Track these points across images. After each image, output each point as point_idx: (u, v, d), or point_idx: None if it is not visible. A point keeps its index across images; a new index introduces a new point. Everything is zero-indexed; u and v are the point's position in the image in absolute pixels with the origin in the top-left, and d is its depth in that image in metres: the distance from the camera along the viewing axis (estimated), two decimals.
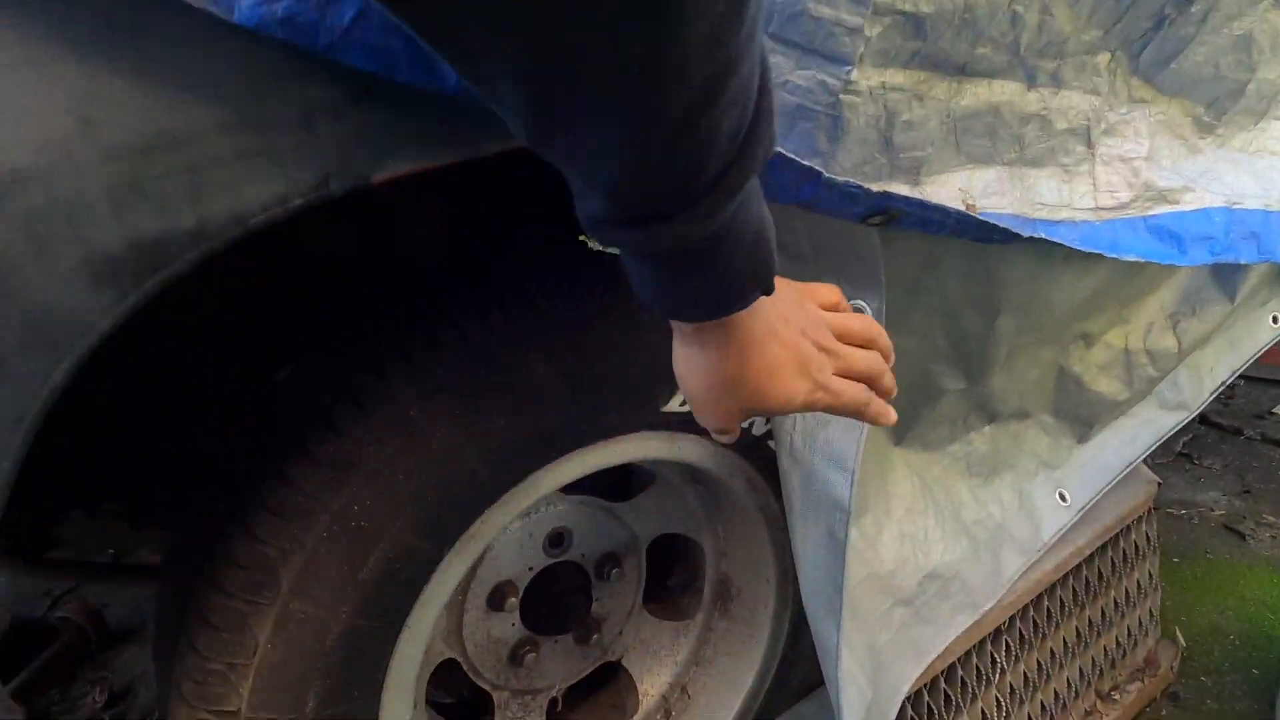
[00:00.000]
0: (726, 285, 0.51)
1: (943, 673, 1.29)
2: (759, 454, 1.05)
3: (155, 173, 0.51)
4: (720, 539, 1.21)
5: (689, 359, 0.60)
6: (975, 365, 1.12)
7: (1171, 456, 2.42)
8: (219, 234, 0.54)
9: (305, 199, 0.56)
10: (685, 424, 0.97)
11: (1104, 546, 1.54)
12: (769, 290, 0.55)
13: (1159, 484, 1.62)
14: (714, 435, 0.67)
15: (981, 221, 0.78)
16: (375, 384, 0.79)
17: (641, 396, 0.91)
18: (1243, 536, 2.05)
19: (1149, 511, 1.64)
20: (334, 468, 0.76)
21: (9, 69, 0.46)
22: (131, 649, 2.13)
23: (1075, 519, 1.41)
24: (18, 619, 2.07)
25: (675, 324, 0.59)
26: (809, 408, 0.63)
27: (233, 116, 0.52)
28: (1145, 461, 2.20)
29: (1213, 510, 2.16)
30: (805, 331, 0.62)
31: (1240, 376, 2.77)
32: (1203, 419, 2.58)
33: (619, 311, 0.88)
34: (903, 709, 1.25)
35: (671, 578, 1.27)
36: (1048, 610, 1.47)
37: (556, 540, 1.11)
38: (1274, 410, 2.59)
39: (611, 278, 0.89)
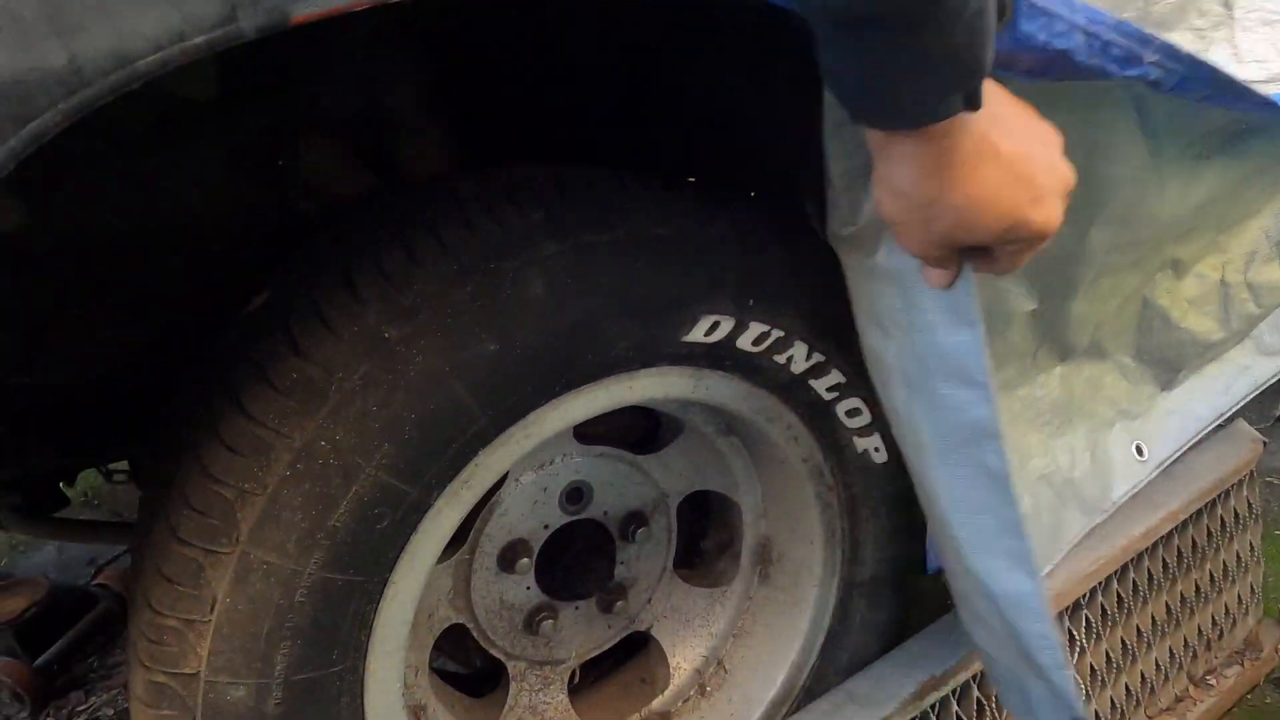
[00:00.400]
0: (933, 71, 0.47)
1: None
2: (799, 396, 0.92)
3: None
4: (759, 497, 1.08)
5: (885, 179, 0.56)
6: (1055, 285, 0.96)
7: (1270, 421, 2.20)
8: (98, 77, 0.43)
9: (208, 37, 0.45)
10: (711, 358, 0.85)
11: (1199, 512, 1.37)
12: (975, 101, 0.49)
13: (1264, 443, 1.43)
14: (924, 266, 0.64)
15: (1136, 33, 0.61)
16: (345, 301, 0.68)
17: (659, 323, 0.79)
18: None
19: (1251, 475, 1.45)
20: (297, 397, 0.66)
21: None
22: None
23: (1151, 477, 1.24)
24: (56, 586, 2.06)
25: (872, 137, 0.54)
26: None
27: None
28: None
29: None
30: (1053, 167, 0.57)
31: None
32: None
33: (630, 220, 0.75)
34: (967, 688, 1.12)
35: (706, 540, 1.15)
36: (1134, 583, 1.31)
37: (574, 496, 1.00)
38: None
39: (620, 178, 0.77)
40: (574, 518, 1.00)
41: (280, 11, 0.46)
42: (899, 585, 1.09)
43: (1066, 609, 1.21)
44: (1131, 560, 1.28)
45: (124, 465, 1.54)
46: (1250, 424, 2.22)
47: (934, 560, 1.71)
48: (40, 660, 1.92)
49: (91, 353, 0.92)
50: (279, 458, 0.66)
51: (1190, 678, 1.45)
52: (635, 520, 1.04)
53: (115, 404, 1.06)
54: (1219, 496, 1.40)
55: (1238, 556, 1.47)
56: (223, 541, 0.66)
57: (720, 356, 0.85)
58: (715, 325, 0.82)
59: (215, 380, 0.72)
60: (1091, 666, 1.28)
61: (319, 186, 0.94)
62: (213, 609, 0.67)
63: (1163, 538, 1.31)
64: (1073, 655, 1.25)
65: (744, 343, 0.85)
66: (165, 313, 0.92)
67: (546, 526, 0.98)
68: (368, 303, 0.68)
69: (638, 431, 1.06)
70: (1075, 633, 1.24)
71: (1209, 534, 1.41)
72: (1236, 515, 1.45)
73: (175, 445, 0.73)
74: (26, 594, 1.98)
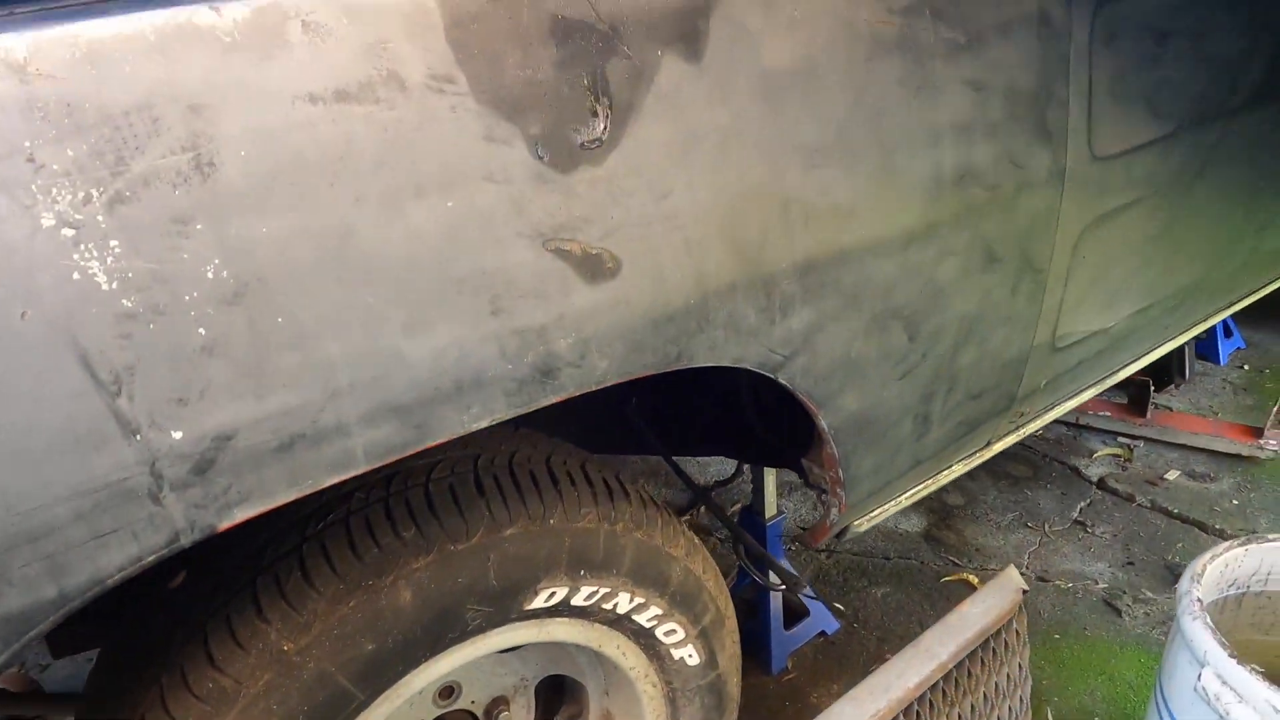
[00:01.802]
0: None
1: None
2: (626, 626, 1.15)
3: (19, 563, 0.60)
4: (602, 680, 1.32)
5: None
6: None
7: (1068, 524, 2.58)
8: (80, 595, 0.63)
9: (158, 555, 0.65)
10: (551, 613, 1.07)
11: (972, 653, 1.68)
12: None
13: (1024, 591, 1.76)
14: None
15: None
16: (252, 619, 0.88)
17: (507, 600, 1.01)
18: (1119, 613, 2.21)
19: (1019, 611, 1.78)
20: (213, 702, 0.86)
21: None
22: None
23: None
24: None
25: None
26: None
27: (88, 506, 0.61)
28: (1044, 528, 2.34)
29: (1097, 584, 2.32)
30: None
31: (1136, 438, 2.93)
32: (1100, 483, 2.74)
33: (477, 532, 0.97)
34: None
35: (559, 713, 1.38)
36: (917, 713, 1.60)
37: (447, 692, 1.21)
38: (1166, 476, 2.76)
39: (469, 507, 0.98)
40: (446, 710, 1.21)
41: (212, 528, 0.66)
42: None
43: None
44: (915, 700, 1.58)
45: None
46: (1052, 525, 2.60)
47: (779, 662, 1.99)
48: None
49: None
50: None
51: None
52: (500, 704, 1.26)
53: None
54: (991, 637, 1.72)
55: (1008, 677, 1.80)
56: None
57: (559, 611, 1.08)
58: (553, 594, 1.05)
59: (146, 665, 0.91)
60: None
61: None
62: None
63: (941, 678, 1.61)
64: None
65: (577, 600, 1.08)
66: None
67: None
68: (271, 621, 0.88)
69: None
70: None
71: (982, 664, 1.73)
72: (1007, 645, 1.78)
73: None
74: None
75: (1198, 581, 1.44)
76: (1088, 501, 2.67)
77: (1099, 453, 2.92)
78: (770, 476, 2.02)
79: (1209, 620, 1.36)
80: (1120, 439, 2.98)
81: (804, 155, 0.93)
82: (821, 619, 2.27)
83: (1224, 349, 3.45)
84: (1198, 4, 1.39)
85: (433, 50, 0.69)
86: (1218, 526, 2.51)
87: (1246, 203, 1.73)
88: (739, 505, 2.12)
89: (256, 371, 0.65)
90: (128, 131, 0.58)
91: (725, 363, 0.94)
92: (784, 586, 2.10)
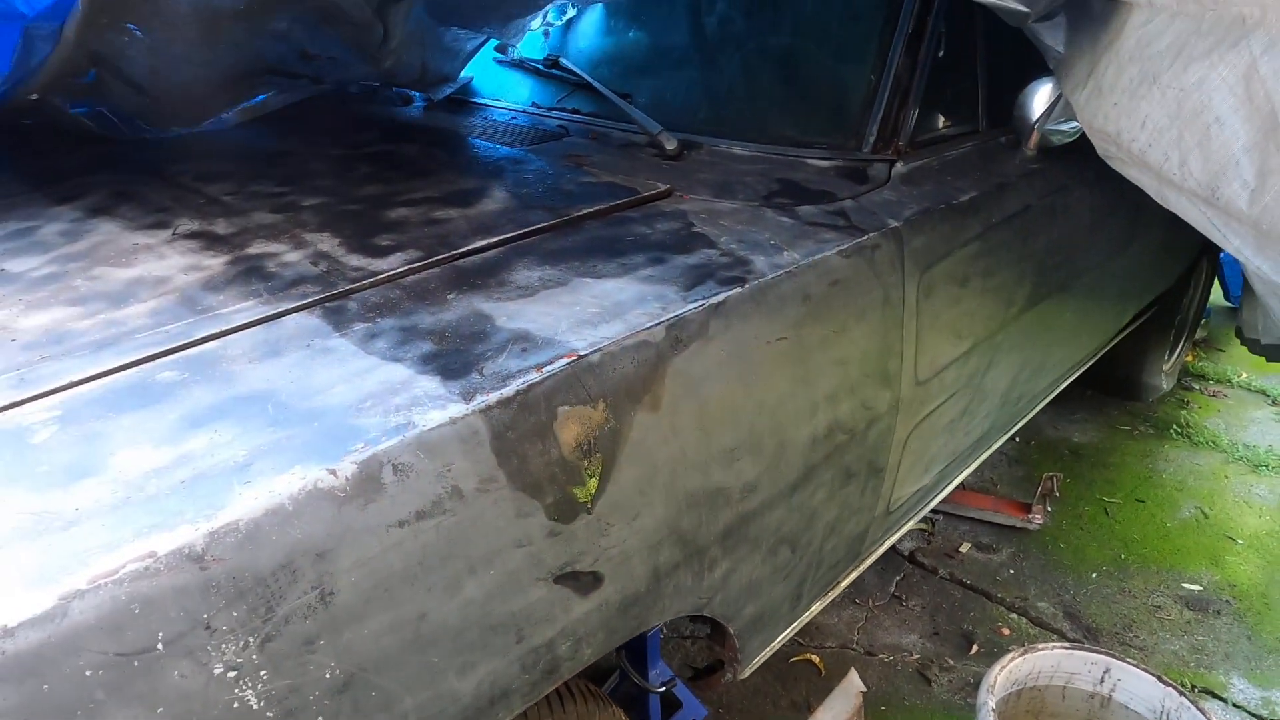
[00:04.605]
0: None
1: None
2: None
3: None
4: None
5: None
6: None
7: (886, 599, 3.05)
8: None
9: None
10: None
11: None
12: None
13: (864, 691, 2.15)
14: None
15: None
16: None
17: None
18: (929, 682, 2.68)
19: (858, 710, 2.16)
20: None
21: None
22: None
23: None
24: None
25: None
26: None
27: None
28: (869, 603, 2.76)
29: (911, 655, 2.79)
30: None
31: (937, 512, 3.48)
32: (910, 558, 3.25)
33: None
34: None
35: None
36: None
37: None
38: (960, 549, 3.32)
39: None
40: None
41: None
42: None
43: None
44: None
45: None
46: (875, 599, 3.07)
47: None
48: None
49: None
50: None
51: None
52: None
53: None
54: None
55: None
56: None
57: None
58: None
59: None
60: None
61: None
62: None
63: None
64: None
65: None
66: None
67: None
68: None
69: None
70: None
71: None
72: None
73: None
74: None
75: (992, 693, 1.86)
76: (901, 575, 3.16)
77: (908, 527, 3.45)
78: None
79: None
80: (925, 514, 3.54)
81: (726, 455, 1.21)
82: (692, 708, 2.57)
83: None
84: (984, 253, 1.82)
85: (481, 461, 0.90)
86: (999, 595, 3.08)
87: (1020, 373, 2.21)
88: None
89: None
90: (274, 585, 0.76)
91: (669, 618, 1.20)
92: (663, 688, 2.39)
